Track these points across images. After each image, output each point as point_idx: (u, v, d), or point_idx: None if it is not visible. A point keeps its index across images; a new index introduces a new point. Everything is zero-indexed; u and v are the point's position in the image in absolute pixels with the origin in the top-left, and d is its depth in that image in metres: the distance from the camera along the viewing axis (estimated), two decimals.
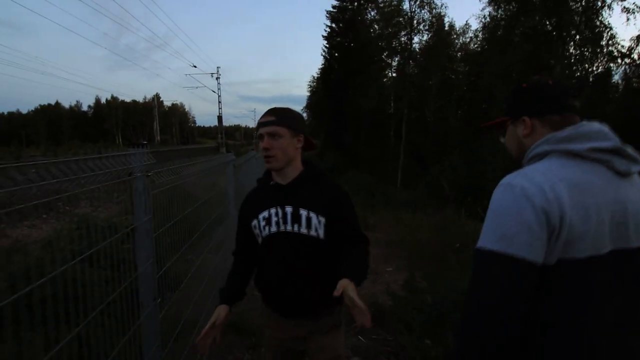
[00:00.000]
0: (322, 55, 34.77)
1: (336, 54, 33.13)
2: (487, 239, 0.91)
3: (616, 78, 13.96)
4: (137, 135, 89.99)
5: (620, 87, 15.33)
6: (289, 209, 1.51)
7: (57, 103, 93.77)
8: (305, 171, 1.56)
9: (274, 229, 1.53)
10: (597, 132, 0.98)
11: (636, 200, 0.98)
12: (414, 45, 20.57)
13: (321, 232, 1.49)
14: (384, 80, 27.74)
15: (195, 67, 32.33)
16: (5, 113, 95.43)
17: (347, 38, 30.49)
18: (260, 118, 1.52)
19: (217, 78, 38.13)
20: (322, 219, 1.49)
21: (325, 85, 35.55)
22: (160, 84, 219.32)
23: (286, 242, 1.52)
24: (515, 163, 1.13)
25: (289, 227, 1.51)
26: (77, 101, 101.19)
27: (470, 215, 10.32)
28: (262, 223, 1.55)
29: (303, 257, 1.51)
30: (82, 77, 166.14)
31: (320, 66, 36.82)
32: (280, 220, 1.52)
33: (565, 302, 0.91)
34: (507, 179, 0.96)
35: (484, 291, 0.90)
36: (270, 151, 1.45)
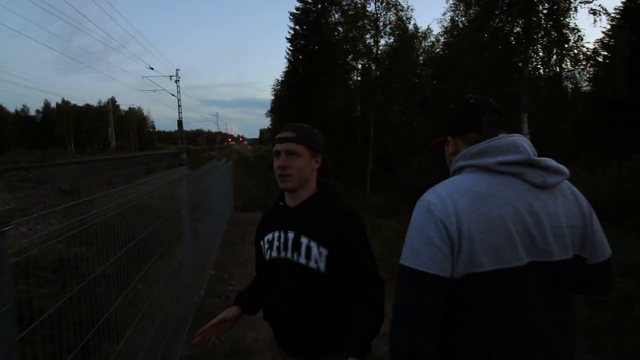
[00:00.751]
0: (286, 58, 34.15)
1: (300, 57, 32.57)
2: (403, 254, 0.96)
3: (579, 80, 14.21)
4: (91, 141, 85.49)
5: (583, 89, 15.68)
6: (290, 235, 1.39)
7: (0, 107, 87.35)
8: (317, 194, 1.41)
9: (274, 253, 1.44)
10: (509, 145, 0.99)
11: (556, 213, 0.98)
12: (380, 48, 20.25)
13: (322, 265, 1.32)
14: (350, 83, 27.44)
15: (152, 69, 30.69)
16: None
17: (312, 41, 30.02)
18: (279, 133, 1.41)
19: (177, 81, 36.45)
20: (324, 251, 1.32)
21: (289, 89, 34.91)
22: (116, 87, 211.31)
23: (287, 270, 1.40)
24: None
25: (289, 254, 1.39)
26: (23, 105, 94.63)
27: None
28: (266, 246, 1.48)
29: (301, 289, 1.36)
30: (29, 80, 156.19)
31: (285, 69, 36.16)
32: (282, 246, 1.42)
33: (476, 315, 0.92)
34: (424, 194, 1.01)
35: (398, 305, 0.93)
36: (286, 170, 1.35)
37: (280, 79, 39.52)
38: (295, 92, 32.15)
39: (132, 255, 2.14)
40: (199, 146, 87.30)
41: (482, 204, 0.91)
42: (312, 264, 1.33)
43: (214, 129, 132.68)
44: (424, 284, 0.89)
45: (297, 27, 30.89)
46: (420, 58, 23.45)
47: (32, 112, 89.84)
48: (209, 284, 5.08)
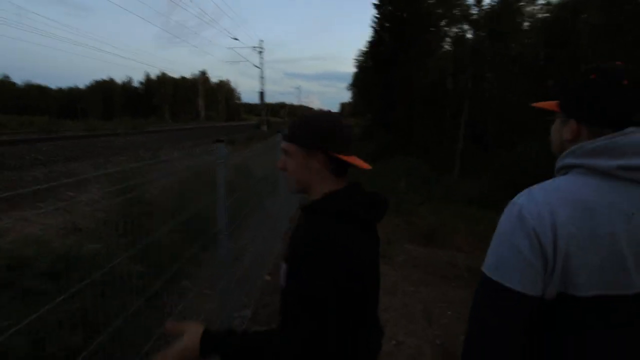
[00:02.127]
0: (371, 27, 32.13)
1: (387, 25, 30.39)
2: (486, 261, 0.86)
3: None
4: (185, 111, 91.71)
5: None
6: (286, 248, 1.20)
7: (110, 79, 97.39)
8: (313, 202, 1.11)
9: None
10: (638, 145, 0.79)
11: None
12: (483, 7, 17.45)
13: (282, 281, 1.07)
14: (441, 52, 24.83)
15: (237, 39, 30.91)
16: (65, 88, 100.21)
17: (400, 5, 27.63)
18: None
19: (260, 52, 36.55)
20: (284, 266, 1.06)
21: (373, 60, 33.00)
22: (209, 60, 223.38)
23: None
24: None
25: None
26: (128, 77, 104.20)
27: None
28: None
29: (280, 307, 1.10)
30: (134, 53, 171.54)
31: (369, 39, 34.14)
32: None
33: (566, 343, 0.83)
34: (517, 195, 0.87)
35: (475, 322, 0.85)
36: (285, 172, 1.16)
37: (364, 49, 37.64)
38: (380, 63, 30.22)
39: None
40: (280, 118, 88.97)
41: (588, 217, 0.77)
42: (281, 281, 1.08)
43: (295, 102, 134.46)
44: (508, 302, 0.79)
45: None
46: (526, 24, 20.13)
47: (135, 84, 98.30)
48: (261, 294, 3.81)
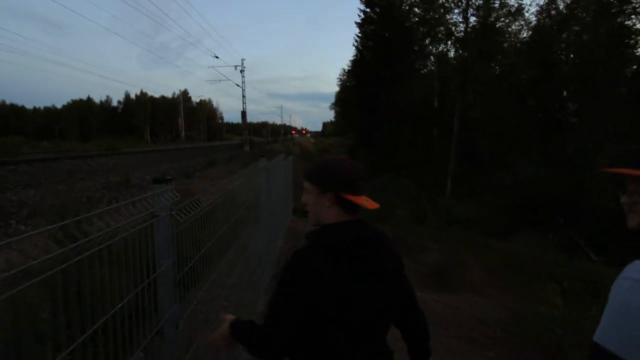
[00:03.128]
0: (354, 45, 32.05)
1: (370, 44, 30.32)
2: (610, 338, 0.79)
3: None
4: (165, 131, 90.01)
5: None
6: None
7: (88, 98, 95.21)
8: (310, 232, 1.26)
9: None
10: None
11: None
12: (470, 24, 17.21)
13: None
14: (425, 70, 24.67)
15: (217, 57, 30.11)
16: (42, 108, 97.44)
17: (383, 25, 27.55)
18: None
19: (242, 71, 35.88)
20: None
21: (356, 79, 32.81)
22: (191, 81, 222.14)
23: None
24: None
25: None
26: (107, 96, 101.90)
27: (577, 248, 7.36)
28: None
29: None
30: (115, 73, 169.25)
31: (352, 58, 34.05)
32: None
33: None
34: (633, 270, 0.81)
35: None
36: (306, 207, 1.32)
37: (347, 68, 37.53)
38: (363, 82, 29.98)
39: None
40: (262, 138, 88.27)
41: None
42: None
43: (278, 122, 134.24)
44: None
45: (368, 10, 28.54)
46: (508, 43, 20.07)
47: (114, 103, 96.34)
48: None
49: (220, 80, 39.42)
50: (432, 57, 23.40)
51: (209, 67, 33.55)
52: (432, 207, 12.30)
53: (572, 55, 16.69)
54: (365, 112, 27.84)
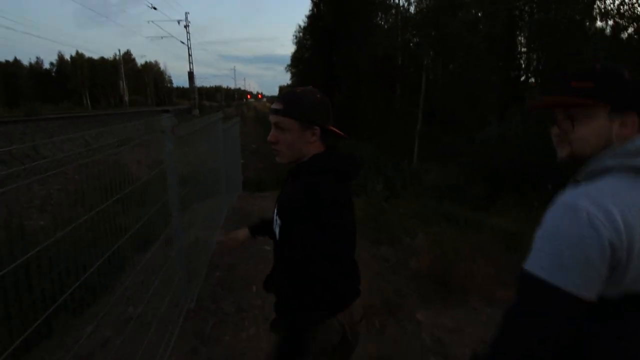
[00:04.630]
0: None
1: None
2: (539, 264, 0.80)
3: None
4: (107, 95, 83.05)
5: None
6: (276, 203, 1.34)
7: (16, 60, 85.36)
8: (300, 165, 1.29)
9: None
10: None
11: None
12: None
13: (277, 234, 1.27)
14: (385, 26, 22.87)
15: (155, 8, 26.51)
16: None
17: None
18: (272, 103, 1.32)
19: (186, 26, 32.28)
20: (279, 221, 1.25)
21: (313, 36, 30.43)
22: (136, 41, 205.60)
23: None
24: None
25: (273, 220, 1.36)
26: (37, 57, 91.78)
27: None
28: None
29: (275, 257, 1.38)
30: (47, 32, 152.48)
31: (308, 14, 31.41)
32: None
33: (624, 339, 0.83)
34: (569, 197, 0.82)
35: (525, 321, 0.80)
36: (275, 145, 1.28)
37: (302, 24, 34.76)
38: (320, 39, 27.79)
39: None
40: (216, 102, 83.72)
41: None
42: (276, 232, 1.28)
43: (232, 86, 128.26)
44: (571, 307, 0.77)
45: None
46: None
47: (47, 66, 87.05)
48: None
49: (162, 37, 35.56)
50: (393, 11, 21.56)
51: (148, 21, 29.74)
52: (400, 175, 10.93)
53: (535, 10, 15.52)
54: (320, 72, 25.88)
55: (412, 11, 19.66)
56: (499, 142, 9.13)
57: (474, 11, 14.87)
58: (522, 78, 15.97)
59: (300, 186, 1.19)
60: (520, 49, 16.34)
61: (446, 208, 7.11)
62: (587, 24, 13.99)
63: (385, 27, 23.71)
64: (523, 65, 16.97)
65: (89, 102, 74.45)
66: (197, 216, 3.74)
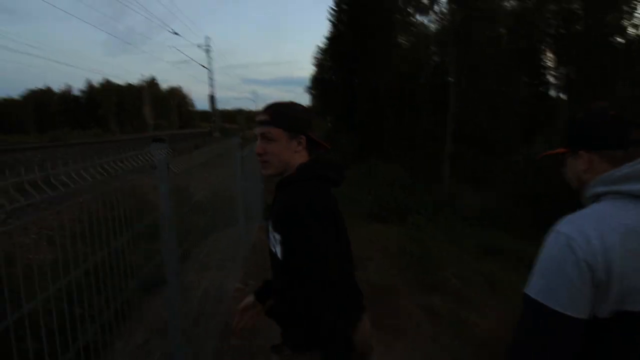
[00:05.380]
0: (329, 20, 29.36)
1: (345, 19, 27.78)
2: (533, 286, 0.90)
3: None
4: (132, 120, 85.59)
5: None
6: (270, 220, 1.30)
7: (47, 88, 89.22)
8: (289, 175, 1.27)
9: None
10: None
11: None
12: None
13: (278, 251, 1.20)
14: (404, 41, 22.45)
15: (177, 34, 27.01)
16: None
17: None
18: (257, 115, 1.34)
19: (207, 50, 32.80)
20: (278, 236, 1.20)
21: (333, 57, 30.22)
22: (158, 68, 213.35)
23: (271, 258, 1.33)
24: None
25: (269, 242, 1.33)
26: (66, 84, 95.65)
27: None
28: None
29: (275, 278, 1.30)
30: (76, 60, 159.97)
31: (327, 35, 31.33)
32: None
33: (621, 356, 0.88)
34: (560, 224, 0.92)
35: (524, 339, 0.89)
36: (263, 156, 1.29)
37: (323, 46, 34.69)
38: (340, 59, 27.54)
39: None
40: (236, 125, 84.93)
41: (635, 239, 0.84)
42: (275, 250, 1.22)
43: (253, 108, 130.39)
44: (557, 324, 0.84)
45: None
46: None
47: (76, 92, 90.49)
48: None
49: (184, 62, 36.32)
50: (413, 28, 21.12)
51: (169, 46, 30.38)
52: (431, 198, 10.14)
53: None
54: (341, 92, 25.52)
55: (433, 29, 19.24)
56: (544, 167, 8.25)
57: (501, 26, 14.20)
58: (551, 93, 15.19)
59: (293, 194, 1.17)
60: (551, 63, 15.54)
61: (491, 238, 6.31)
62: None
63: (403, 46, 23.31)
64: (553, 81, 16.13)
65: (116, 127, 76.69)
66: (208, 258, 3.14)
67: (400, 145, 16.37)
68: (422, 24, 20.62)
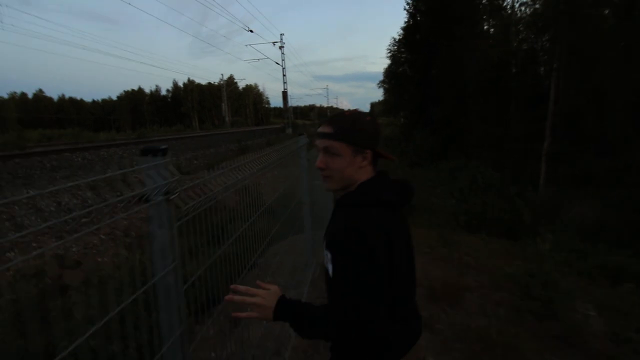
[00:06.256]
0: (405, 10, 27.90)
1: (423, 8, 26.15)
2: None
3: None
4: (212, 117, 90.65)
5: None
6: (325, 237, 1.20)
7: (139, 89, 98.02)
8: (346, 195, 1.19)
9: None
10: None
11: None
12: None
13: (330, 268, 1.12)
14: (491, 30, 20.42)
15: (251, 31, 27.42)
16: (99, 100, 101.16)
17: None
18: (320, 126, 1.24)
19: (281, 47, 33.04)
20: (329, 255, 1.12)
21: (409, 48, 28.73)
22: (240, 67, 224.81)
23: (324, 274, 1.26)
24: None
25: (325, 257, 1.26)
26: (156, 86, 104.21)
27: None
28: None
29: (328, 295, 1.19)
30: (164, 62, 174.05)
31: (403, 25, 29.83)
32: None
33: None
34: None
35: None
36: (325, 171, 1.18)
37: (397, 37, 33.21)
38: (417, 50, 26.01)
39: None
40: (309, 120, 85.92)
41: None
42: (328, 267, 1.13)
43: (325, 104, 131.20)
44: None
45: None
46: None
47: (163, 92, 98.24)
48: None
49: (259, 60, 37.06)
50: (504, 12, 19.04)
51: (246, 45, 31.07)
52: (527, 206, 8.75)
53: None
54: (419, 86, 24.08)
55: (527, 12, 17.12)
56: None
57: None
58: None
59: (342, 219, 1.13)
60: None
61: (615, 258, 5.04)
62: None
63: (491, 31, 21.26)
64: None
65: (197, 124, 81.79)
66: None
67: (487, 142, 14.73)
68: (512, 6, 18.55)
